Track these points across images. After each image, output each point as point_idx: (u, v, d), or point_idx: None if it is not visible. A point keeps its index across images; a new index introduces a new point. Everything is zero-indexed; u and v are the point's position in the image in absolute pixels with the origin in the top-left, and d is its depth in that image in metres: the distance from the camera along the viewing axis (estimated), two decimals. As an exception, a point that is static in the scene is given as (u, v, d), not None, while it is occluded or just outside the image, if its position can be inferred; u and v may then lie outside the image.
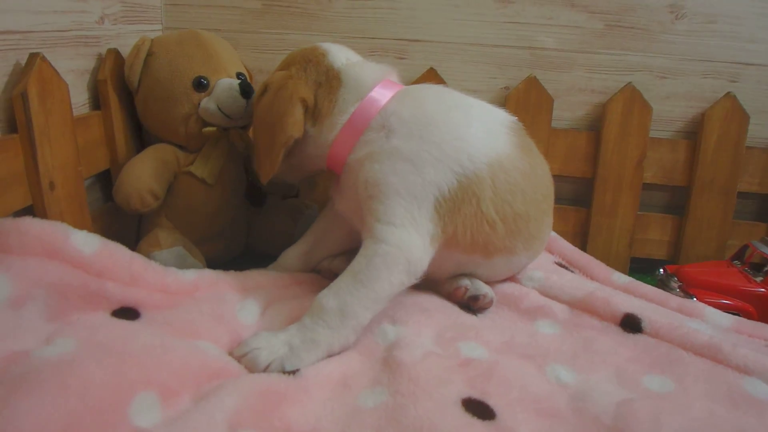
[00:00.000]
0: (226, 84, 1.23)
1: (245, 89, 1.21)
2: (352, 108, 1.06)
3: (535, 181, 1.08)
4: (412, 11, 1.52)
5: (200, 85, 1.23)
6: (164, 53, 1.25)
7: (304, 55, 1.12)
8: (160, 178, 1.21)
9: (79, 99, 1.21)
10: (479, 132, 1.04)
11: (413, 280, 0.97)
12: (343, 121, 1.06)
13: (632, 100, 1.49)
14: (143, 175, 1.19)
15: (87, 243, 0.90)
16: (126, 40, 1.28)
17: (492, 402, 0.80)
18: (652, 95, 1.51)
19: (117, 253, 0.94)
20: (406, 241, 0.95)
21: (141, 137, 1.36)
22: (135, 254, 0.97)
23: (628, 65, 1.53)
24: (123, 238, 1.20)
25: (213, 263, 1.27)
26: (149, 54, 1.25)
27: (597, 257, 1.39)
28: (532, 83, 1.50)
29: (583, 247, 1.53)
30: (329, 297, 0.92)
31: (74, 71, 1.19)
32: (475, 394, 0.81)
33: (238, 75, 1.30)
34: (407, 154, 0.99)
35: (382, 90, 1.07)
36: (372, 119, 1.04)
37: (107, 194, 1.19)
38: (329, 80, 1.08)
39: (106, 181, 1.30)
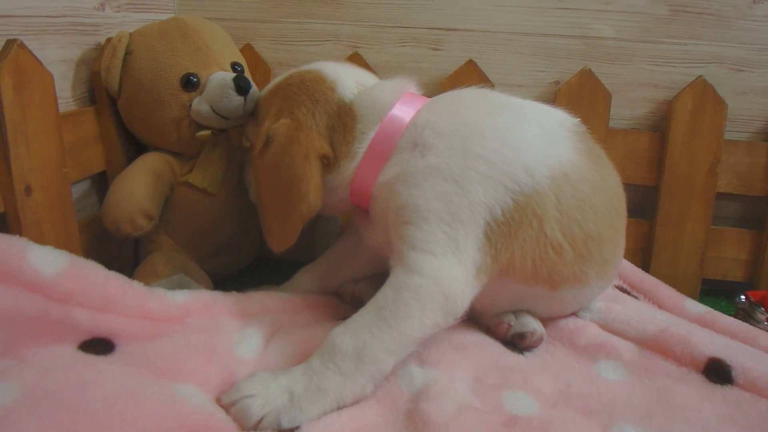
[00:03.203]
0: (218, 80, 1.11)
1: (240, 84, 1.09)
2: (372, 134, 0.95)
3: (607, 194, 0.95)
4: (448, -5, 1.42)
5: (189, 83, 1.13)
6: (145, 50, 1.14)
7: (307, 91, 0.98)
8: (154, 195, 1.11)
9: (74, 92, 1.15)
10: (536, 138, 0.91)
11: (451, 321, 0.84)
12: (363, 151, 0.96)
13: (703, 96, 1.35)
14: (133, 194, 1.08)
15: (49, 262, 0.79)
16: (132, 29, 1.19)
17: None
18: (727, 90, 1.37)
19: (88, 273, 0.82)
20: (445, 273, 0.83)
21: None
22: (112, 274, 0.85)
23: (698, 56, 1.40)
24: (120, 248, 1.23)
25: (225, 275, 1.23)
26: (128, 52, 1.14)
27: (661, 277, 1.27)
28: (587, 77, 1.38)
29: (646, 266, 1.41)
30: (345, 335, 0.80)
31: (66, 61, 1.12)
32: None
33: (234, 66, 1.19)
34: (448, 172, 0.87)
35: (404, 106, 0.96)
36: (399, 138, 0.94)
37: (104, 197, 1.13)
38: (342, 119, 0.97)
39: (102, 183, 1.23)
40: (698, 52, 1.38)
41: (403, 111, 0.95)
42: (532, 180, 0.86)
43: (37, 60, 0.96)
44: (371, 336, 0.79)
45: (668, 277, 1.34)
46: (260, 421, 0.74)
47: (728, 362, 0.88)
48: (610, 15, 1.39)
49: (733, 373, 0.87)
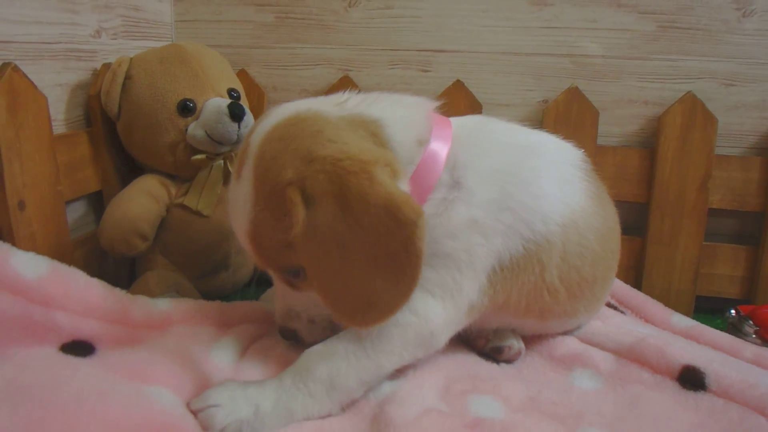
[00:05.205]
0: (214, 106, 1.13)
1: (235, 111, 1.11)
2: (412, 167, 0.82)
3: (608, 237, 0.95)
4: (436, 19, 1.42)
5: (186, 108, 1.14)
6: (144, 75, 1.16)
7: (304, 128, 0.78)
8: (149, 216, 1.13)
9: (69, 115, 1.17)
10: (555, 183, 0.89)
11: (430, 355, 0.84)
12: (406, 179, 0.79)
13: (693, 111, 1.32)
14: (129, 215, 1.10)
15: (31, 267, 0.81)
16: (129, 55, 1.21)
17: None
18: (717, 105, 1.35)
19: (70, 278, 0.84)
20: (437, 313, 0.81)
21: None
22: (94, 280, 0.87)
23: (687, 72, 1.37)
24: (116, 266, 1.25)
25: (221, 294, 1.23)
26: (128, 77, 1.17)
27: (654, 295, 1.26)
28: (574, 95, 1.36)
29: (638, 283, 1.38)
30: (320, 360, 0.77)
31: (62, 85, 1.14)
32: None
33: (230, 92, 1.20)
34: (483, 225, 0.83)
35: (438, 138, 0.85)
36: (438, 177, 0.84)
37: (101, 216, 1.14)
38: (367, 127, 0.80)
39: (99, 203, 1.25)
40: (688, 68, 1.36)
41: (440, 143, 0.84)
42: (546, 228, 0.85)
43: (32, 83, 0.98)
44: (347, 364, 0.77)
45: (661, 294, 1.32)
46: (223, 430, 0.72)
47: (702, 369, 0.87)
48: (598, 33, 1.37)
49: (707, 380, 0.85)
